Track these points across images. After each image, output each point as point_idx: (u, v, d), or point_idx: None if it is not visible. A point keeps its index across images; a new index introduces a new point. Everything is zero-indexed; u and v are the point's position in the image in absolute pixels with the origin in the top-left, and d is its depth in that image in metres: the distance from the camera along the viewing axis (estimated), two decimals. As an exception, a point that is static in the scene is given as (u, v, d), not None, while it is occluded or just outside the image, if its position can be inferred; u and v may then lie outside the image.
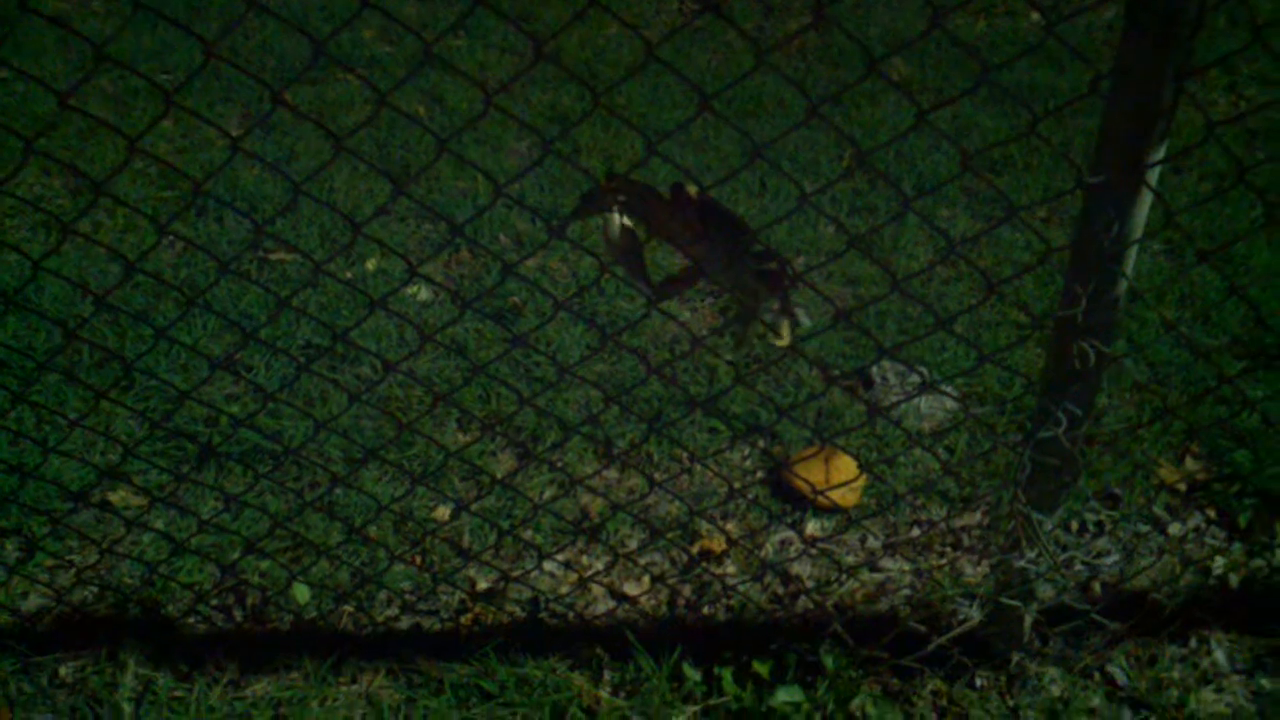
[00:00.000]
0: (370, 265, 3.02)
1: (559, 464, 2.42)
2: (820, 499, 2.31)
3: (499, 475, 2.39)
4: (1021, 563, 1.75)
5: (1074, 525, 2.31)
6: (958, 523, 2.35)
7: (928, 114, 1.28)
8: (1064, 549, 1.80)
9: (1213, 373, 2.61)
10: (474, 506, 2.31)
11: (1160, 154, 1.35)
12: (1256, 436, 2.47)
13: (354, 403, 2.45)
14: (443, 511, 2.34)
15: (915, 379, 2.62)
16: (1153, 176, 1.37)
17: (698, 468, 2.43)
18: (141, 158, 3.39)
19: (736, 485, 2.39)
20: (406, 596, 2.13)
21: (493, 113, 3.77)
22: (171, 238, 3.13)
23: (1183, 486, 2.42)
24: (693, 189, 1.55)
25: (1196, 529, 2.32)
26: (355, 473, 2.37)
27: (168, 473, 2.32)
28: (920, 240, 3.17)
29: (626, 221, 1.56)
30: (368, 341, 2.72)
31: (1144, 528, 2.33)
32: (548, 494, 2.38)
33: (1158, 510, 2.37)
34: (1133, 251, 1.38)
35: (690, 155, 3.54)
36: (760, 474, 2.45)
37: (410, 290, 2.92)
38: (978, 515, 2.36)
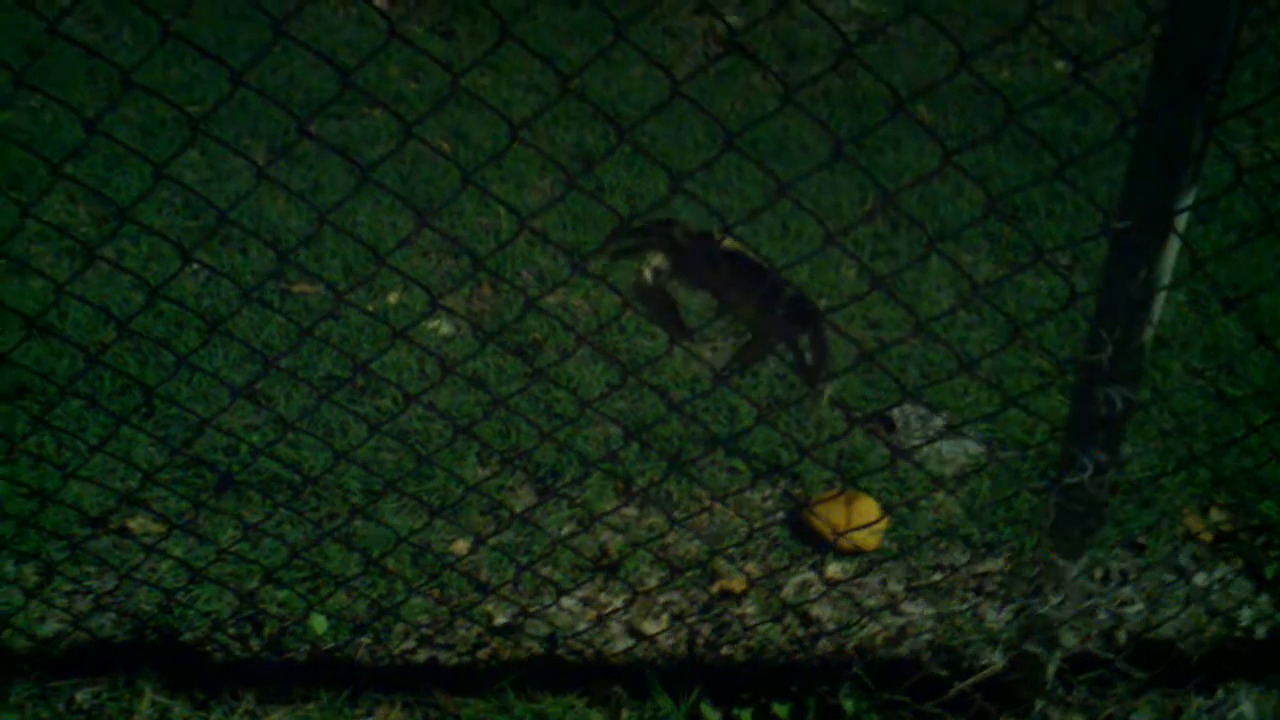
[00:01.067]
0: (392, 299, 3.02)
1: (578, 500, 2.41)
2: (841, 541, 2.30)
3: (518, 510, 2.38)
4: (1045, 609, 1.73)
5: (1098, 573, 2.29)
6: (980, 568, 2.33)
7: (953, 155, 1.28)
8: (1088, 596, 1.78)
9: (1239, 423, 2.59)
10: (492, 541, 2.30)
11: (1189, 200, 1.34)
12: (1283, 487, 2.46)
13: (373, 433, 2.45)
14: (461, 545, 2.32)
15: (938, 422, 2.61)
16: (1180, 223, 1.36)
17: (718, 507, 2.42)
18: (167, 188, 3.42)
19: (757, 525, 2.37)
20: (424, 630, 2.12)
21: (517, 150, 3.80)
22: (195, 267, 3.15)
23: (1209, 537, 2.40)
24: (725, 239, 1.56)
25: (1222, 579, 2.30)
26: (374, 504, 2.36)
27: (187, 500, 2.32)
28: (942, 285, 3.16)
29: (655, 263, 1.57)
30: (388, 374, 2.72)
31: (1169, 577, 2.31)
32: (566, 530, 2.37)
33: (1183, 560, 2.35)
34: (1160, 298, 1.38)
35: (714, 197, 3.55)
36: (781, 515, 2.43)
37: (431, 324, 2.92)
38: (1000, 561, 2.34)
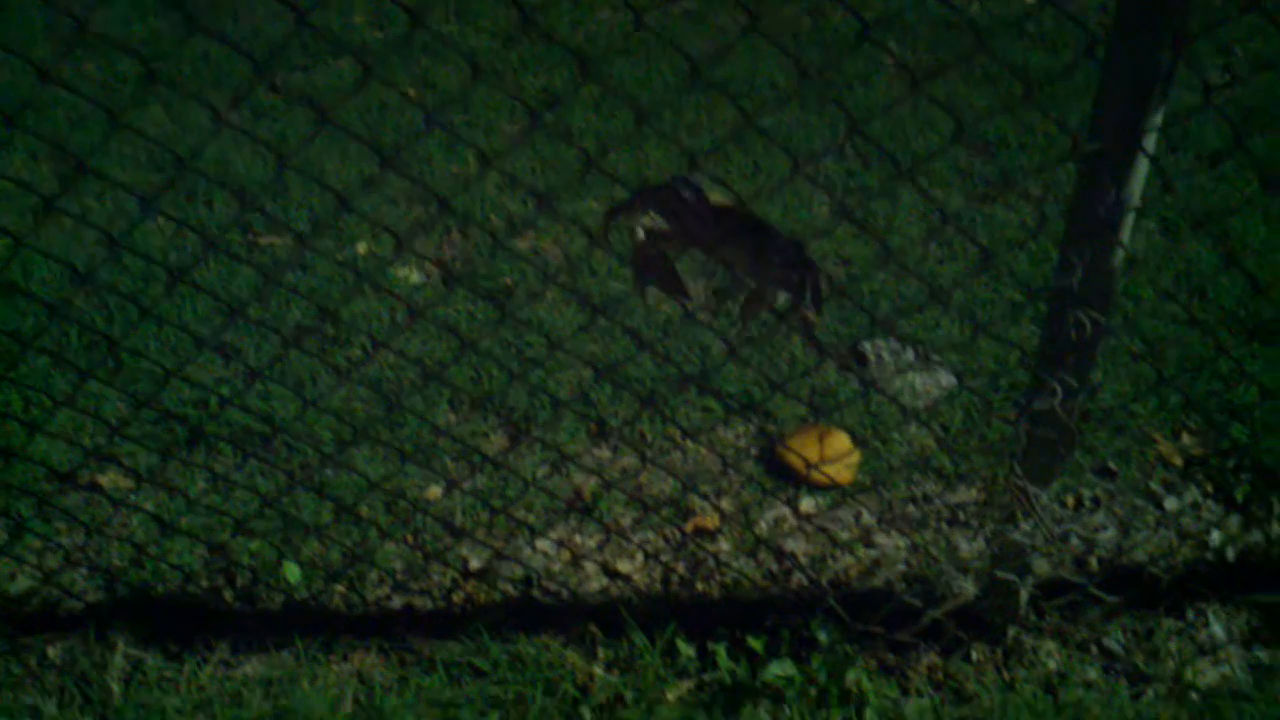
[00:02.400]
0: (361, 248, 3.00)
1: (552, 444, 2.41)
2: (815, 475, 2.30)
3: (491, 455, 2.38)
4: (1017, 535, 1.74)
5: (1070, 501, 2.30)
6: (953, 499, 2.34)
7: (922, 81, 1.26)
8: (1060, 522, 1.78)
9: (1209, 347, 2.60)
10: (466, 486, 2.29)
11: (1157, 120, 1.33)
12: (1253, 410, 2.46)
13: (342, 380, 2.44)
14: (435, 491, 2.32)
15: (910, 356, 2.60)
16: (1149, 143, 1.35)
17: (691, 446, 2.42)
18: (130, 143, 3.38)
19: (730, 462, 2.37)
20: (398, 575, 2.11)
21: (484, 97, 3.76)
22: (161, 221, 3.12)
23: (1180, 461, 2.41)
24: (720, 197, 1.55)
25: (1193, 504, 2.31)
26: (346, 452, 2.35)
27: (156, 453, 2.31)
28: (914, 220, 3.15)
29: (654, 229, 1.56)
30: (358, 324, 2.70)
31: (1140, 503, 2.32)
32: (540, 473, 2.36)
33: (1154, 485, 2.36)
34: (1129, 220, 1.37)
35: (685, 139, 3.52)
36: (755, 452, 2.43)
37: (401, 273, 2.90)
38: (973, 492, 2.35)
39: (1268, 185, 2.78)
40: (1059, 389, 1.53)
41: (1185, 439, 2.46)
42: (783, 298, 1.61)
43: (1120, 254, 1.39)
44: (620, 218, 1.59)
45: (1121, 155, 1.35)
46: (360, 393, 2.52)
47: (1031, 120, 3.51)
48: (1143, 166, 1.33)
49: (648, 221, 1.58)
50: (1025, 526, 1.71)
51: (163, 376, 2.45)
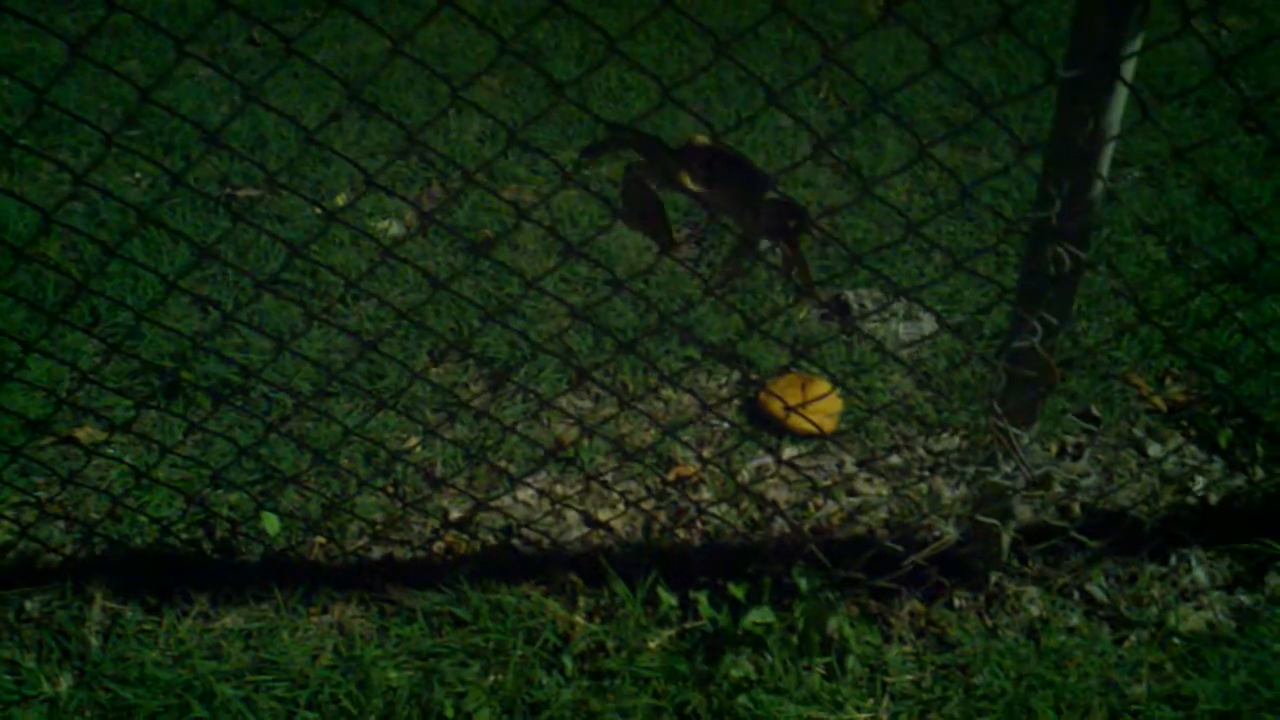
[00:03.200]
0: (340, 200, 2.97)
1: (532, 393, 2.39)
2: (796, 421, 2.29)
3: (471, 403, 2.36)
4: (998, 477, 1.73)
5: (1053, 448, 2.29)
6: (935, 446, 2.33)
7: (893, 5, 1.24)
8: (1040, 465, 1.77)
9: (1191, 287, 2.59)
10: (447, 435, 2.28)
11: (1136, 45, 1.31)
12: (1236, 354, 2.45)
13: (316, 324, 2.42)
14: (414, 441, 2.30)
15: (894, 306, 2.59)
16: (1128, 70, 1.33)
17: (673, 394, 2.40)
18: (107, 98, 3.34)
19: (711, 407, 2.36)
20: (378, 526, 2.10)
21: (465, 51, 3.72)
22: (138, 175, 3.08)
23: (1163, 407, 2.40)
24: (702, 138, 1.51)
25: (1177, 449, 2.30)
26: (324, 402, 2.33)
27: (133, 405, 2.28)
28: (899, 177, 3.12)
29: (638, 173, 1.52)
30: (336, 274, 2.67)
31: (1123, 448, 2.31)
32: (520, 423, 2.34)
33: (1137, 431, 2.35)
34: (1108, 150, 1.35)
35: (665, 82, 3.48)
36: (737, 402, 2.42)
37: (380, 225, 2.87)
38: (956, 439, 2.34)
39: (1248, 112, 2.75)
40: (1038, 327, 1.51)
41: (1169, 384, 2.45)
42: (769, 244, 1.59)
43: (1099, 186, 1.37)
44: (597, 155, 1.56)
45: (1100, 81, 1.33)
46: (339, 342, 2.49)
47: (1014, 69, 3.48)
48: (1122, 95, 1.31)
49: (627, 160, 1.55)
50: (1007, 469, 1.70)
51: (135, 323, 2.42)
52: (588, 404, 2.40)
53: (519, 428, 2.32)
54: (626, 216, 1.56)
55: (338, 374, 2.26)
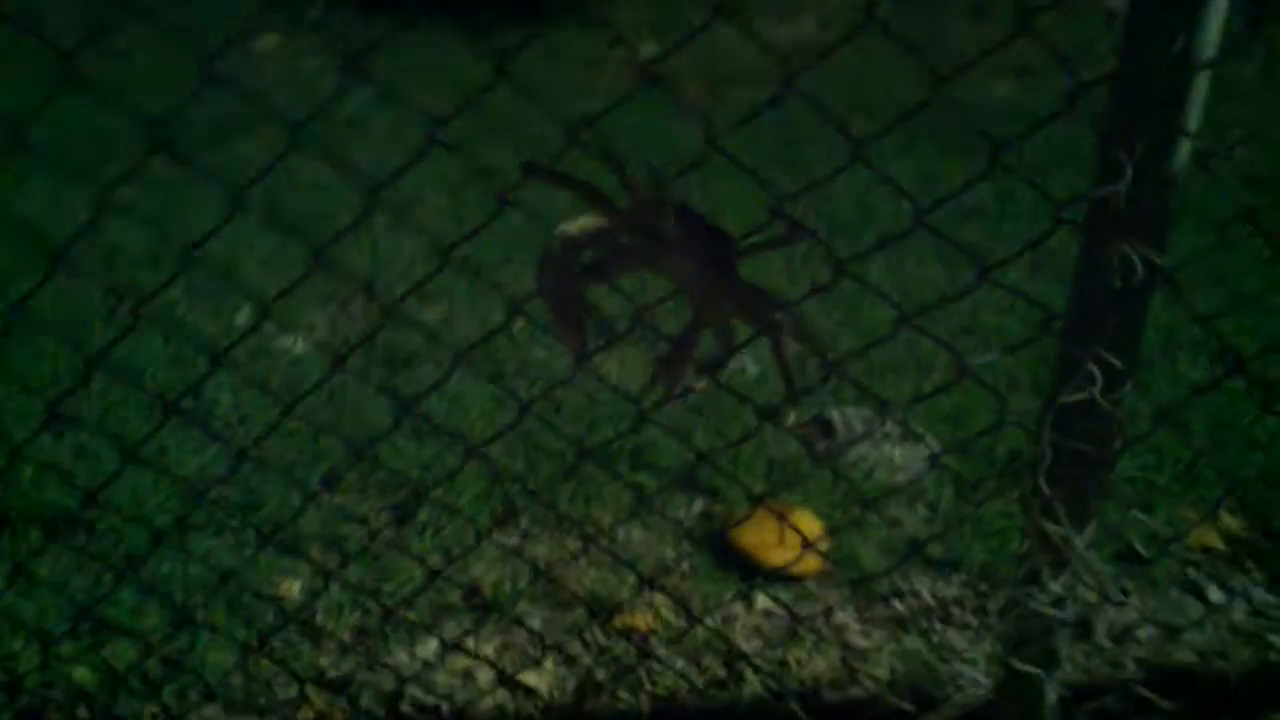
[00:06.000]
0: (240, 319, 2.56)
1: (444, 531, 1.94)
2: (773, 557, 1.84)
3: (371, 541, 1.90)
4: (1041, 603, 1.27)
5: (1093, 595, 1.83)
6: (945, 591, 1.87)
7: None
8: (1100, 585, 1.32)
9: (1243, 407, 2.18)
10: (334, 579, 1.81)
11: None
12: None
13: (187, 439, 1.97)
14: (291, 585, 1.83)
15: (886, 424, 2.16)
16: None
17: (620, 531, 1.95)
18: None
19: (669, 550, 1.91)
20: (234, 688, 1.61)
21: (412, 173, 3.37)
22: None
23: (1221, 544, 1.96)
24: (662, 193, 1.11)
25: (1243, 594, 1.86)
26: (184, 537, 1.87)
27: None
28: (887, 288, 2.74)
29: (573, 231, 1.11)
30: (222, 394, 2.24)
31: (1178, 594, 1.86)
32: (431, 562, 1.88)
33: (1192, 573, 1.90)
34: (1200, 84, 0.94)
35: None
36: (699, 536, 1.96)
37: (284, 343, 2.45)
38: (971, 586, 1.89)
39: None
40: (1096, 372, 1.09)
41: (1225, 520, 2.02)
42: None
43: (1185, 149, 0.96)
44: (519, 186, 1.13)
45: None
46: (214, 471, 2.04)
47: (1015, 187, 3.14)
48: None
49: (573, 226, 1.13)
50: (1055, 587, 1.25)
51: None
52: (514, 539, 1.95)
53: (427, 565, 1.85)
54: (544, 295, 1.14)
55: (204, 496, 1.81)
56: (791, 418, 1.47)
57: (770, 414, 1.27)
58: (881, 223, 3.09)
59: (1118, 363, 1.08)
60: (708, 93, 4.22)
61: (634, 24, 5.00)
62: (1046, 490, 1.15)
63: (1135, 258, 1.01)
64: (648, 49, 4.80)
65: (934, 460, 2.04)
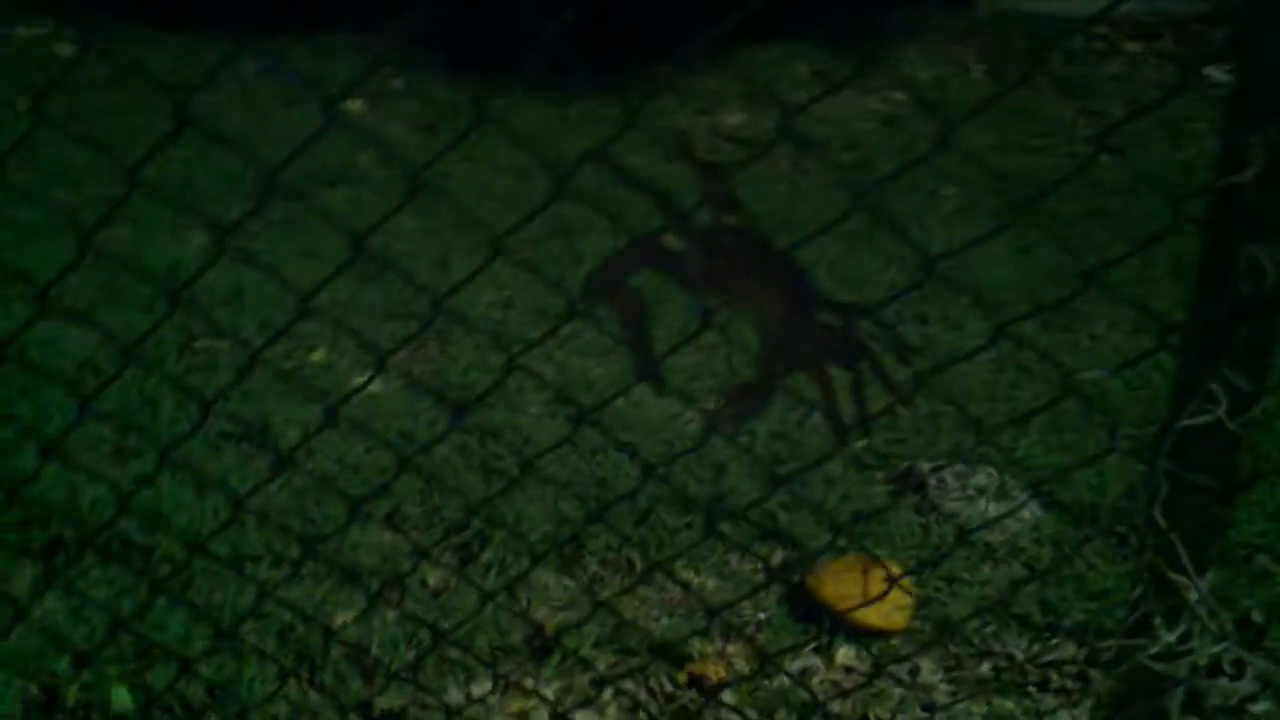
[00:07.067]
0: (316, 356, 2.52)
1: (511, 570, 1.85)
2: (857, 616, 1.72)
3: (431, 582, 1.83)
4: (1154, 651, 1.15)
5: (1211, 649, 1.69)
6: (1045, 657, 1.74)
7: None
8: (1222, 638, 1.19)
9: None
10: (391, 615, 1.73)
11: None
12: None
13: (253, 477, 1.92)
14: (345, 617, 1.75)
15: (981, 480, 2.04)
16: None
17: (693, 577, 1.85)
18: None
19: (746, 601, 1.80)
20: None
21: (494, 222, 3.35)
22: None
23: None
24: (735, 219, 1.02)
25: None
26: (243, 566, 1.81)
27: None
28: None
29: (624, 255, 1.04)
30: (292, 429, 2.19)
31: (1301, 668, 1.71)
32: (494, 603, 1.79)
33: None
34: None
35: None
36: (777, 587, 1.86)
37: (357, 380, 2.41)
38: (1071, 648, 1.75)
39: None
40: (1221, 393, 0.98)
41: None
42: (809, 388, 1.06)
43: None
44: (609, 277, 1.06)
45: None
46: (280, 501, 1.99)
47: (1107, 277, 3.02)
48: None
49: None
50: (1168, 638, 1.12)
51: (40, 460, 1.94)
52: (581, 580, 1.85)
53: (489, 607, 1.76)
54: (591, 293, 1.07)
55: (264, 525, 1.75)
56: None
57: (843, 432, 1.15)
58: (978, 283, 2.98)
59: (1244, 382, 0.97)
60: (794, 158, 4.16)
61: (719, 93, 4.97)
62: (1163, 523, 1.03)
63: (1265, 260, 0.90)
64: (734, 119, 4.77)
65: (1034, 491, 1.91)
